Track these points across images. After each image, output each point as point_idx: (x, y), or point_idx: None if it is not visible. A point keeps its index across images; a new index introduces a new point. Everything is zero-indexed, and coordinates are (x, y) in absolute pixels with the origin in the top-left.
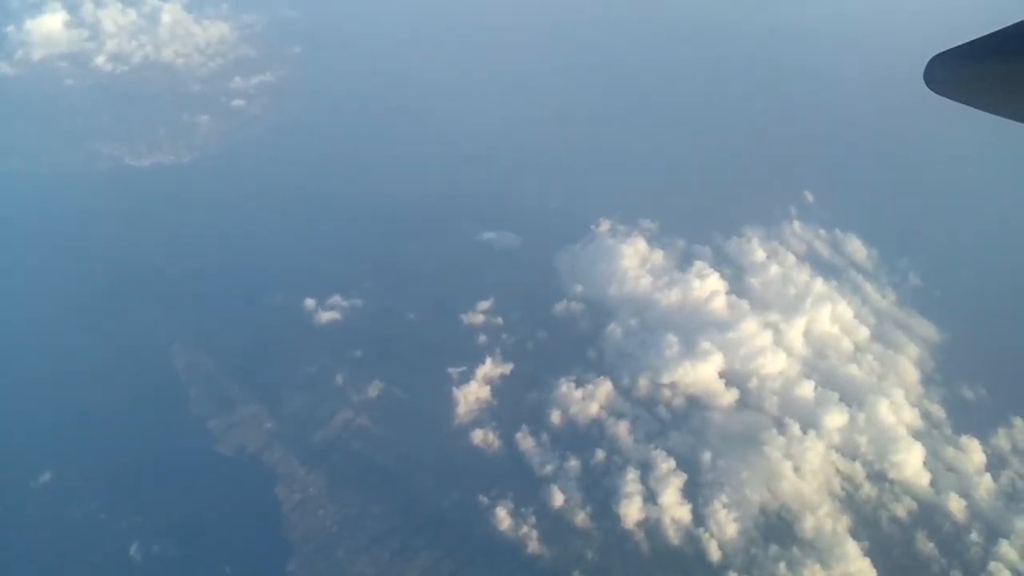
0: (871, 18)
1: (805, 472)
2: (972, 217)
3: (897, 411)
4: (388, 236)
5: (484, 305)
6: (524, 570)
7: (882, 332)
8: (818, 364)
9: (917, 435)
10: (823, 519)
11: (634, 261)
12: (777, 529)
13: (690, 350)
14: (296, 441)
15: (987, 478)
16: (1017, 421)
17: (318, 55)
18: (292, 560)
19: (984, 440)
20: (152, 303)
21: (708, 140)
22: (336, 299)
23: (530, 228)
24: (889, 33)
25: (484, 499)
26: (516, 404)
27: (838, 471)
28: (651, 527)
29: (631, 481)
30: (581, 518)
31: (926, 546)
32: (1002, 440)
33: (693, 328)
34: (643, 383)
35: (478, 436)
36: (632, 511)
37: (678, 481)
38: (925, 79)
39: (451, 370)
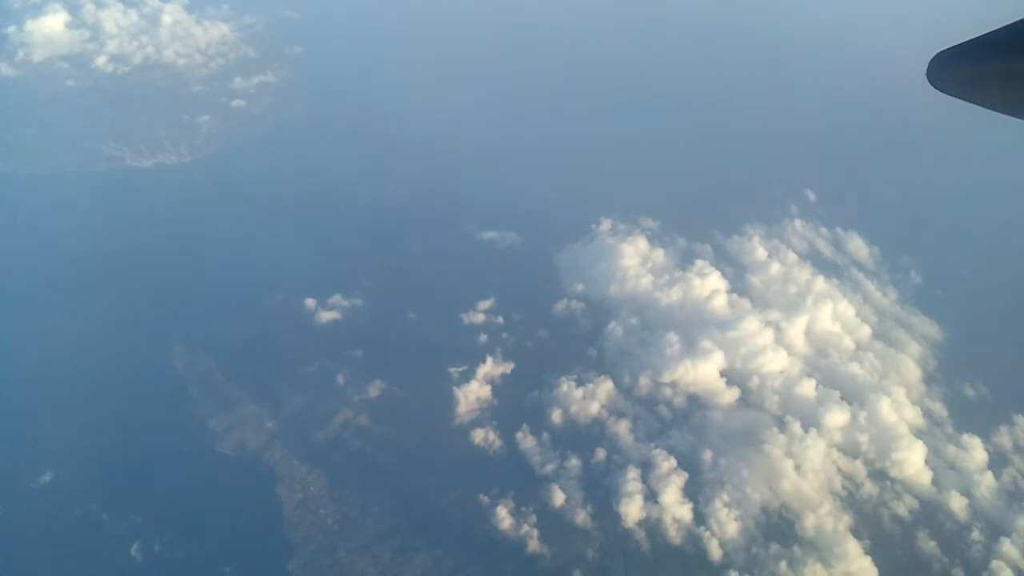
0: (872, 16)
1: (806, 471)
2: (974, 215)
3: (898, 409)
4: (389, 236)
5: (485, 304)
6: (525, 569)
7: (883, 330)
8: (819, 362)
9: (919, 433)
10: (824, 518)
11: (635, 260)
12: (778, 528)
13: (691, 349)
14: (297, 440)
15: (989, 476)
16: (1019, 419)
17: (319, 55)
18: (293, 559)
19: (986, 438)
20: (153, 303)
21: (709, 138)
22: (337, 299)
23: (531, 227)
24: (890, 31)
25: (485, 498)
26: (517, 403)
27: (839, 470)
28: (652, 526)
29: (632, 480)
30: (582, 517)
31: (928, 545)
32: (1004, 438)
33: (694, 327)
34: (644, 382)
35: (479, 435)
36: (633, 510)
37: (679, 480)
38: (928, 77)
39: (452, 369)
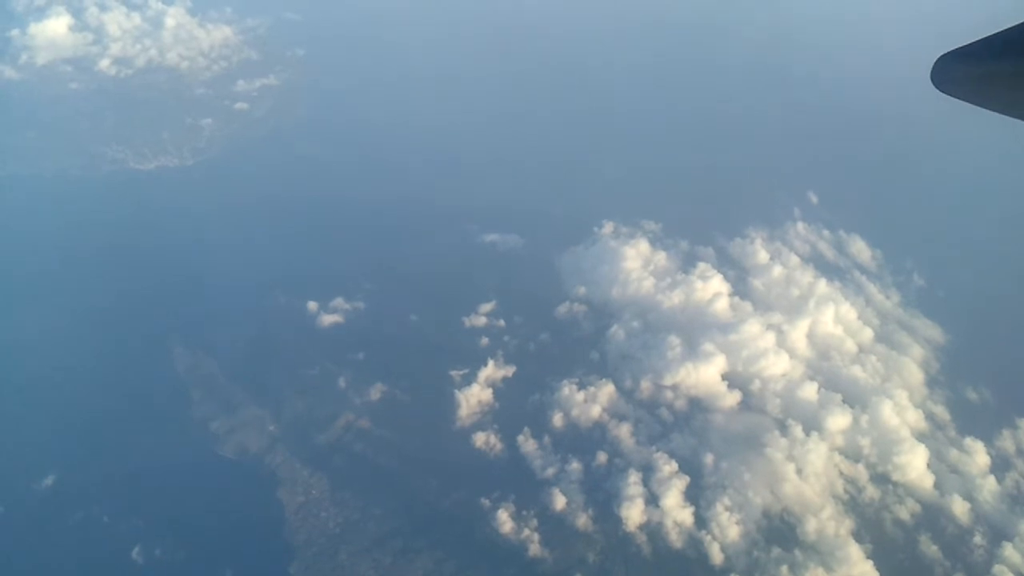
0: (875, 19)
1: (808, 474)
2: (977, 218)
3: (901, 413)
4: (390, 238)
5: (486, 307)
6: (526, 573)
7: (886, 333)
8: (821, 366)
9: (921, 437)
10: (826, 521)
11: (637, 263)
12: (779, 532)
13: (693, 352)
14: (298, 443)
15: (991, 480)
16: (1022, 422)
17: (321, 58)
18: (294, 562)
19: (988, 442)
20: (155, 305)
21: (711, 141)
22: (338, 301)
23: (533, 230)
24: (893, 34)
25: (486, 501)
26: (518, 406)
27: (841, 473)
28: (653, 530)
29: (633, 484)
30: (583, 521)
31: (930, 549)
32: (1007, 442)
33: (696, 330)
34: (645, 385)
35: (480, 438)
36: (634, 514)
37: (680, 484)
38: (932, 79)
39: (453, 372)
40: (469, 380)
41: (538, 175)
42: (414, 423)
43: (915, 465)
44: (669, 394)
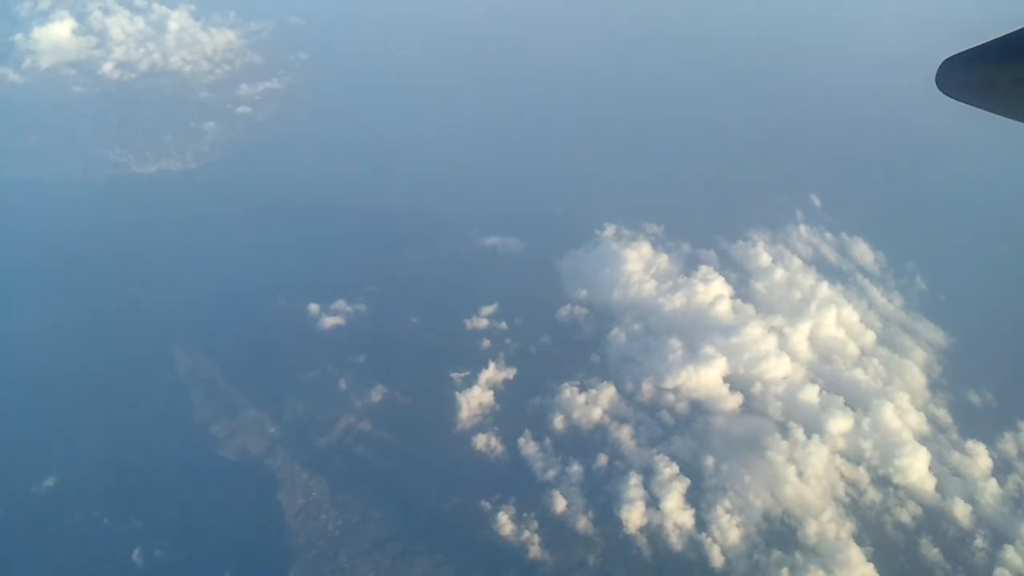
0: (878, 22)
1: (809, 477)
2: (980, 221)
3: (902, 416)
4: (392, 241)
5: (488, 310)
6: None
7: (888, 336)
8: (823, 369)
9: (923, 440)
10: (827, 524)
11: (638, 265)
12: (780, 534)
13: (694, 355)
14: (298, 446)
15: (993, 483)
16: (1023, 426)
17: (325, 62)
18: (294, 565)
19: (990, 445)
20: (156, 307)
21: (714, 144)
22: (340, 304)
23: (534, 232)
24: (895, 37)
25: (486, 504)
26: (519, 409)
27: (842, 476)
28: (653, 532)
29: (633, 486)
30: (583, 523)
31: (931, 552)
32: (1008, 445)
33: (697, 332)
34: (646, 388)
35: (480, 441)
36: (634, 516)
37: (681, 486)
38: (937, 82)
39: (454, 375)
40: (470, 382)
41: (539, 178)
42: (415, 425)
43: (916, 468)
44: (670, 397)
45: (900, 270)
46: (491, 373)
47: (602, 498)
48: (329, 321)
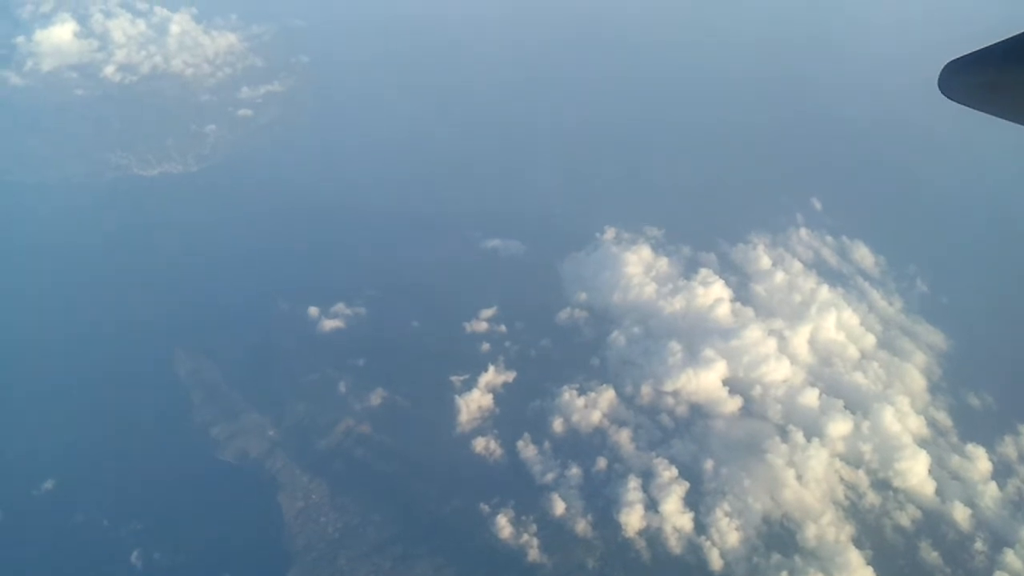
0: (879, 25)
1: (808, 480)
2: (980, 225)
3: (902, 419)
4: (392, 244)
5: (488, 313)
6: None
7: (888, 339)
8: (823, 372)
9: (922, 443)
10: (826, 528)
11: (639, 268)
12: (779, 538)
13: (693, 358)
14: (298, 449)
15: (993, 486)
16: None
17: (326, 65)
18: (293, 567)
19: (990, 448)
20: (157, 310)
21: (714, 147)
22: (339, 307)
23: (535, 235)
24: (895, 40)
25: (485, 507)
26: (518, 412)
27: (842, 479)
28: (652, 536)
29: (633, 489)
30: (582, 527)
31: (930, 555)
32: (1009, 448)
33: (697, 336)
34: (646, 391)
35: (480, 444)
36: (633, 519)
37: (680, 489)
38: (939, 85)
39: (454, 378)
40: (470, 385)
41: (540, 181)
42: (414, 428)
43: (916, 471)
44: (670, 400)
45: (900, 273)
46: (490, 376)
47: (601, 501)
48: (329, 324)
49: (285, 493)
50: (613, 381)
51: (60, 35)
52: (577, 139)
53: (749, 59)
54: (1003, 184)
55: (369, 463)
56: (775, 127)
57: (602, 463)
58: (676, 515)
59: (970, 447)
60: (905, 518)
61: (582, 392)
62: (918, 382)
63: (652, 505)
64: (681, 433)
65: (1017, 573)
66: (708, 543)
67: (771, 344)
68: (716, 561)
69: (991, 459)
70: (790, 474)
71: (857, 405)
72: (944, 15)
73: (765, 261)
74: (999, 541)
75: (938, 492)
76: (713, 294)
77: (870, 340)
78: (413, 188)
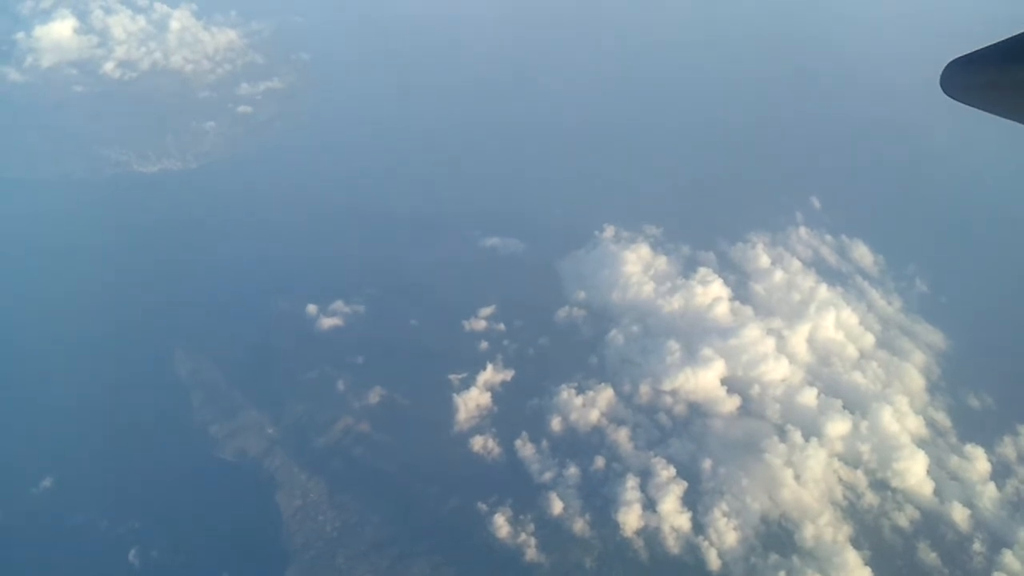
0: (879, 23)
1: (806, 480)
2: (980, 223)
3: (901, 419)
4: (391, 242)
5: (486, 311)
6: None
7: (888, 339)
8: (821, 371)
9: (921, 443)
10: (824, 528)
11: (637, 267)
12: (777, 538)
13: (692, 357)
14: (297, 447)
15: (991, 487)
16: (1023, 429)
17: (326, 62)
18: (291, 566)
19: (989, 448)
20: (156, 308)
21: (714, 145)
22: (338, 305)
23: (533, 234)
24: (896, 38)
25: (483, 506)
26: (516, 411)
27: (840, 479)
28: (650, 535)
29: (631, 489)
30: (580, 526)
31: (928, 556)
32: (1007, 448)
33: (695, 335)
34: (644, 390)
35: (478, 443)
36: (631, 519)
37: (678, 489)
38: (942, 84)
39: (452, 376)
40: (468, 384)
41: (539, 179)
42: (413, 427)
43: (915, 471)
44: (668, 399)
45: (900, 272)
46: (489, 375)
47: (599, 500)
48: (328, 322)
49: (283, 491)
50: (611, 380)
51: (60, 31)
52: (576, 138)
53: (749, 58)
54: (1003, 184)
55: (367, 462)
56: (774, 126)
57: (600, 462)
58: (674, 515)
59: (969, 447)
60: (903, 518)
61: (580, 391)
62: (917, 382)
63: (650, 504)
64: (679, 432)
65: (1016, 574)
66: (706, 543)
67: (770, 343)
68: (714, 561)
69: (990, 459)
70: (788, 474)
71: (856, 405)
72: (945, 14)
73: (764, 260)
74: (997, 542)
75: (937, 492)
76: (712, 293)
77: (869, 339)
78: (412, 186)
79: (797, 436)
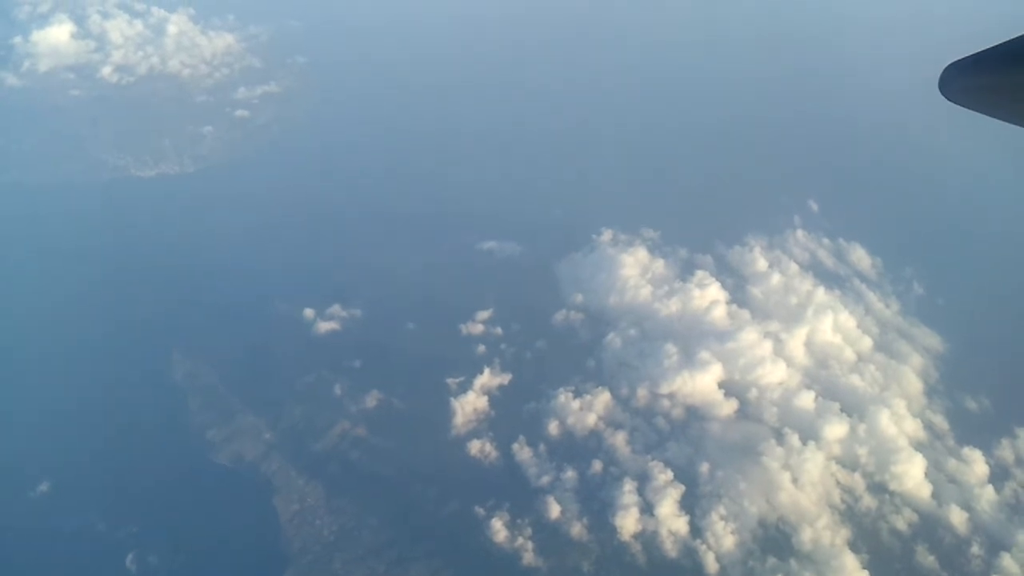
0: (877, 26)
1: (804, 483)
2: (978, 226)
3: (899, 422)
4: (388, 245)
5: (483, 315)
6: None
7: (885, 342)
8: (819, 374)
9: (919, 446)
10: (822, 531)
11: (635, 270)
12: (775, 541)
13: (689, 360)
14: (294, 451)
15: (989, 490)
16: (1021, 432)
17: (323, 66)
18: (288, 570)
19: (987, 451)
20: (154, 312)
21: (711, 149)
22: (335, 309)
23: (531, 237)
24: (894, 41)
25: (480, 510)
26: (514, 414)
27: (838, 483)
28: (648, 539)
29: (628, 492)
30: (577, 529)
31: (926, 559)
32: (1005, 451)
33: (693, 338)
34: (642, 393)
35: (475, 446)
36: (629, 522)
37: (676, 492)
38: (940, 87)
39: (449, 380)
40: (465, 388)
41: (537, 182)
42: (410, 431)
43: (912, 474)
44: (665, 402)
45: (897, 275)
46: (486, 378)
47: (596, 504)
48: (325, 326)
49: (281, 496)
50: (609, 383)
51: (57, 36)
52: (574, 140)
53: (747, 60)
54: (1001, 187)
55: (365, 466)
56: (772, 129)
57: (597, 466)
58: (671, 518)
59: (967, 450)
60: (901, 522)
61: (578, 394)
62: (915, 385)
63: (647, 508)
64: (677, 436)
65: None
66: (703, 546)
67: (767, 346)
68: (712, 565)
69: (988, 462)
70: (786, 477)
71: (853, 408)
72: (944, 16)
73: (761, 263)
74: (996, 545)
75: (934, 495)
76: (709, 296)
77: (867, 343)
78: (409, 189)
79: (795, 439)
